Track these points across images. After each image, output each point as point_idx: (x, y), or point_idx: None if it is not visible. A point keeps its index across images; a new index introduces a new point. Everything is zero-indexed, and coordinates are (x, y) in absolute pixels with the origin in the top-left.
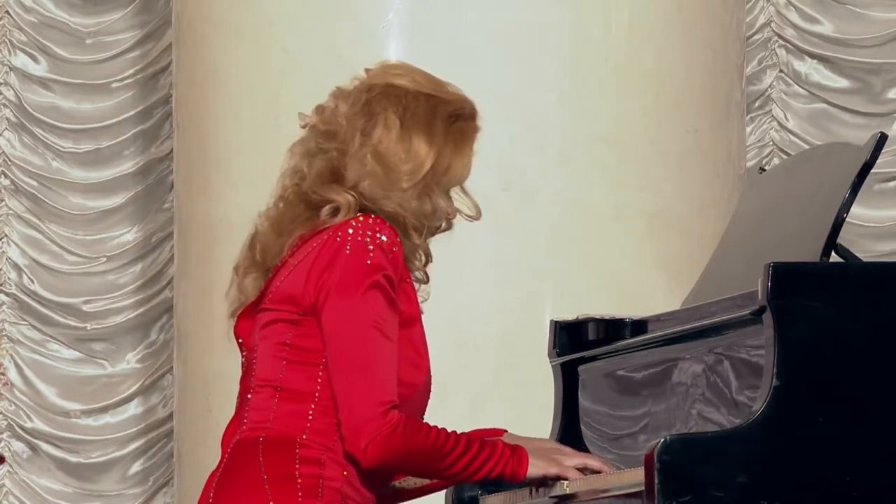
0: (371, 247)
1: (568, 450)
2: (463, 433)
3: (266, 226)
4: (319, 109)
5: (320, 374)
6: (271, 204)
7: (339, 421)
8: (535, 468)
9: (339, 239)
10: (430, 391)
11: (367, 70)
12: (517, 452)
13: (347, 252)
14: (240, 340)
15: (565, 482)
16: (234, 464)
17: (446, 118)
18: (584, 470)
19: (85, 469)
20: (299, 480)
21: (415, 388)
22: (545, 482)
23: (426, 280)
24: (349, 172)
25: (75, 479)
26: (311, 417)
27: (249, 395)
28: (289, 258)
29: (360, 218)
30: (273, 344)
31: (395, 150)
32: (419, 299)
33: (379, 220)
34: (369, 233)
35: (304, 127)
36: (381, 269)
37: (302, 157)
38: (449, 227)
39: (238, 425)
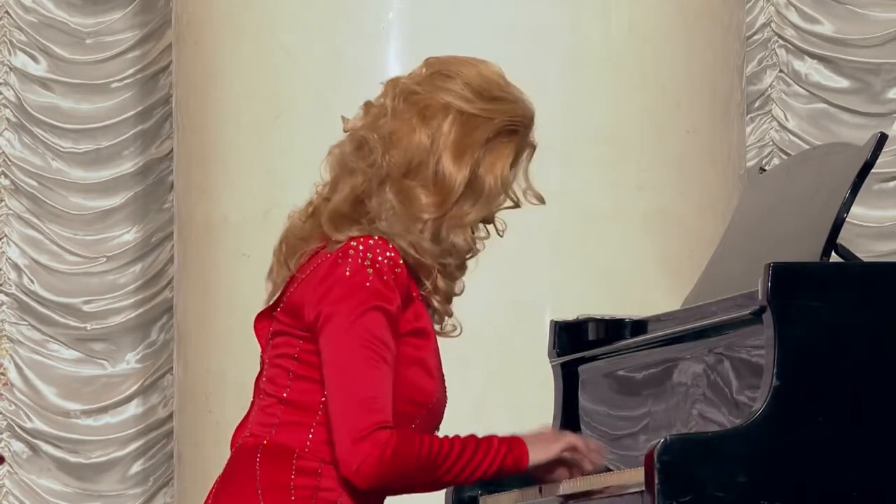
0: (370, 270)
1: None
2: (457, 437)
3: (295, 226)
4: (366, 110)
5: (324, 391)
6: (305, 203)
7: (332, 442)
8: (537, 453)
9: (339, 261)
10: (444, 408)
11: (427, 63)
12: (514, 443)
13: (347, 274)
14: (258, 340)
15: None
16: (231, 470)
17: (486, 138)
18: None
19: (85, 469)
20: (293, 491)
21: (425, 406)
22: (551, 469)
23: (449, 314)
24: (372, 203)
25: (75, 480)
26: (312, 432)
27: (256, 401)
28: (297, 271)
29: (362, 239)
30: (282, 354)
31: (423, 180)
32: (453, 331)
33: (381, 241)
34: (370, 255)
35: (346, 132)
36: (379, 293)
37: (338, 168)
38: (473, 255)
39: (245, 427)
